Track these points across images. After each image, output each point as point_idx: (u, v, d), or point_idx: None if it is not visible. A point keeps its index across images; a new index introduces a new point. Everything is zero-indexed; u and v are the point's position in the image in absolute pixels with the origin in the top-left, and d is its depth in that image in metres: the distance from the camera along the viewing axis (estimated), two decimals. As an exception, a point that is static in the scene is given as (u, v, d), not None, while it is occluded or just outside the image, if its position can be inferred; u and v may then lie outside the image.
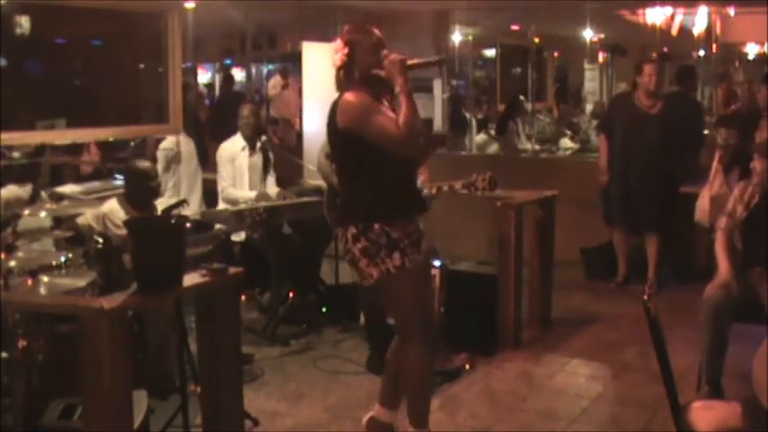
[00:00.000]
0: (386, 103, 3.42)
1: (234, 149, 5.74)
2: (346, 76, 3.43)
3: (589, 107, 11.45)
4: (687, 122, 6.64)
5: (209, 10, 7.50)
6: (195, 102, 13.02)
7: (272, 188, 5.82)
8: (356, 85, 3.38)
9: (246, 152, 5.73)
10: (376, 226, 3.34)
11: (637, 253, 6.50)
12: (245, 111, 5.88)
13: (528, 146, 9.21)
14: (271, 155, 5.87)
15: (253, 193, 5.64)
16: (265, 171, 5.80)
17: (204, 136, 8.01)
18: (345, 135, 3.35)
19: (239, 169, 5.72)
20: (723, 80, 10.69)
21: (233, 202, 5.64)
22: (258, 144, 5.76)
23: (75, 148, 6.91)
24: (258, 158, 5.76)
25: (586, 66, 12.19)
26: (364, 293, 4.78)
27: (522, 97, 10.11)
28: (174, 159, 6.46)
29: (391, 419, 3.69)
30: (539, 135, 9.90)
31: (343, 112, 3.34)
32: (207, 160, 7.03)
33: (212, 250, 4.46)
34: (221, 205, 5.76)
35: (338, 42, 3.45)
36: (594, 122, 10.54)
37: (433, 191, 4.47)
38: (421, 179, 4.70)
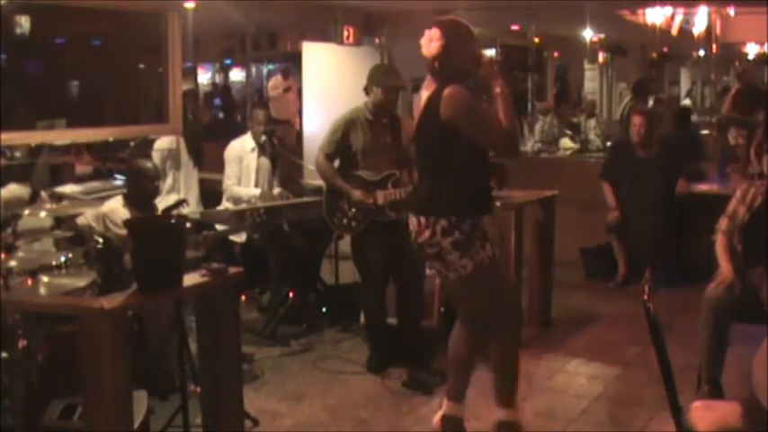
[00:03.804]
0: None
1: (243, 149, 5.73)
2: (441, 66, 3.42)
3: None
4: (684, 161, 6.76)
5: (209, 10, 7.49)
6: (202, 102, 13.06)
7: (275, 189, 5.83)
8: (452, 78, 3.39)
9: (255, 153, 5.73)
10: (469, 219, 3.39)
11: (635, 255, 6.53)
12: (260, 115, 5.85)
13: (528, 146, 9.21)
14: (277, 159, 5.87)
15: (257, 191, 5.64)
16: (273, 173, 5.80)
17: (201, 136, 8.01)
18: (446, 126, 3.36)
19: (246, 169, 5.72)
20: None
21: (237, 199, 5.64)
22: (265, 144, 5.75)
23: (73, 150, 6.91)
24: (266, 160, 5.76)
25: (586, 66, 12.21)
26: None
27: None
28: (172, 160, 6.45)
29: (462, 413, 3.78)
30: (539, 135, 9.91)
31: (451, 104, 3.34)
32: (203, 161, 7.03)
33: (205, 255, 4.45)
34: (223, 204, 5.77)
35: (434, 31, 3.41)
36: (591, 121, 10.56)
37: None
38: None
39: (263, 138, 5.76)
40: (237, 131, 6.18)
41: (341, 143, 4.71)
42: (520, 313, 3.92)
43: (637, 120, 6.49)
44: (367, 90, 4.70)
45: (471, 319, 3.70)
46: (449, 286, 3.64)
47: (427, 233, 3.44)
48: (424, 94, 3.49)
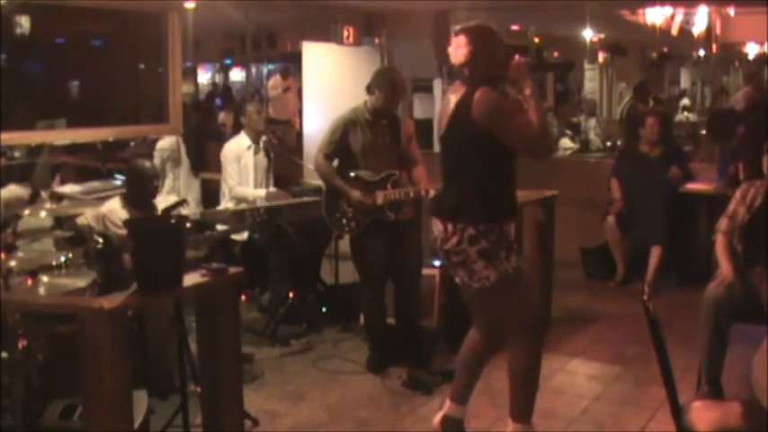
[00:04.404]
0: None
1: (240, 148, 5.74)
2: (471, 73, 3.40)
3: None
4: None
5: (209, 10, 7.49)
6: (206, 102, 13.07)
7: (271, 188, 5.83)
8: (483, 82, 3.36)
9: (252, 151, 5.73)
10: (496, 228, 3.37)
11: (636, 255, 6.52)
12: (251, 110, 5.89)
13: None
14: (272, 155, 5.88)
15: (262, 192, 5.64)
16: (269, 170, 5.82)
17: (203, 137, 8.01)
18: (477, 130, 3.33)
19: (245, 168, 5.72)
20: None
21: (242, 200, 5.65)
22: (262, 143, 5.77)
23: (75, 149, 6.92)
24: (263, 157, 5.78)
25: (586, 66, 12.20)
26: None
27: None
28: (172, 160, 6.45)
29: (463, 414, 3.76)
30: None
31: (484, 108, 3.31)
32: (205, 161, 7.03)
33: (208, 254, 4.46)
34: (226, 204, 5.77)
35: (461, 38, 3.41)
36: (592, 121, 10.58)
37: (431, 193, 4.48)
38: (422, 183, 4.71)
39: (264, 138, 5.77)
40: (237, 131, 6.19)
41: (340, 143, 4.71)
42: (542, 324, 3.83)
43: (650, 120, 6.60)
44: (369, 89, 4.70)
45: (489, 328, 3.66)
46: (470, 295, 3.55)
47: (454, 240, 3.39)
48: (453, 98, 3.44)
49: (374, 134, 4.69)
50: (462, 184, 3.45)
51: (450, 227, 3.40)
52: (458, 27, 3.50)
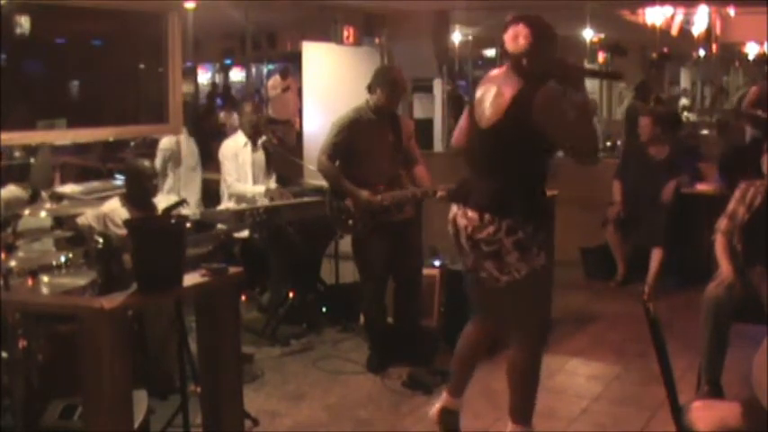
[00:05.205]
0: None
1: (236, 146, 5.79)
2: (530, 63, 3.32)
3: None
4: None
5: (209, 10, 7.50)
6: (207, 102, 13.08)
7: (272, 185, 5.86)
8: (539, 77, 3.30)
9: (249, 148, 5.77)
10: (533, 221, 3.35)
11: (636, 256, 6.52)
12: (247, 108, 5.98)
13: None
14: (271, 151, 5.91)
15: (261, 188, 5.65)
16: (268, 168, 5.85)
17: (208, 135, 8.03)
18: (535, 128, 3.27)
19: (242, 165, 5.76)
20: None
21: (240, 196, 5.65)
22: (259, 142, 5.81)
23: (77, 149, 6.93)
24: (260, 155, 5.81)
25: (586, 66, 12.19)
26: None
27: None
28: (173, 159, 6.46)
29: (459, 407, 3.76)
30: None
31: (548, 105, 3.25)
32: (211, 159, 7.03)
33: (212, 250, 4.46)
34: (226, 202, 5.78)
35: (522, 27, 3.32)
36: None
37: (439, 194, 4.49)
38: (426, 183, 4.71)
39: (264, 137, 5.79)
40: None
41: (343, 144, 4.67)
42: (549, 328, 3.87)
43: (644, 121, 6.55)
44: (370, 89, 4.69)
45: (499, 325, 3.64)
46: (494, 290, 3.47)
47: (491, 229, 3.34)
48: (497, 89, 3.36)
49: (378, 133, 4.67)
50: (506, 177, 3.38)
51: (487, 216, 3.35)
52: (514, 15, 3.39)
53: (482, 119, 3.44)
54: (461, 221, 3.45)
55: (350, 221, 4.70)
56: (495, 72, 3.53)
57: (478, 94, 3.50)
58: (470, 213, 3.40)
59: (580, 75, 3.42)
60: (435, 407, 3.80)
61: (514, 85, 3.33)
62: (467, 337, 3.73)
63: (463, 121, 3.67)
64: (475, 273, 3.52)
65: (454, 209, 3.52)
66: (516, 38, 3.32)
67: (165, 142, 6.49)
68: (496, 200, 3.36)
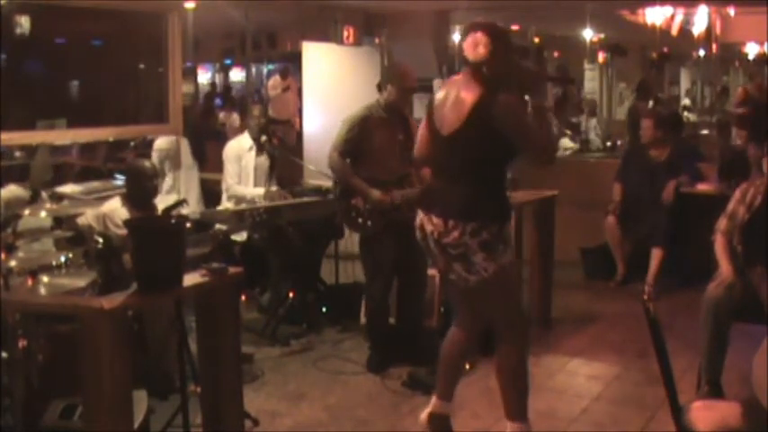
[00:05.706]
0: None
1: (241, 148, 5.72)
2: (490, 71, 3.38)
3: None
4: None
5: (209, 10, 7.50)
6: (206, 102, 13.08)
7: (273, 188, 5.84)
8: (499, 84, 3.36)
9: (254, 152, 5.72)
10: (498, 223, 3.41)
11: (636, 256, 6.52)
12: (255, 111, 5.89)
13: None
14: (276, 154, 5.87)
15: (260, 190, 5.63)
16: (271, 171, 5.81)
17: (203, 136, 8.03)
18: (496, 132, 3.33)
19: (245, 168, 5.71)
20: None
21: (239, 198, 5.64)
22: (262, 143, 5.76)
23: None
24: (265, 159, 5.76)
25: (586, 66, 12.21)
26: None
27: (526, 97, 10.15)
28: (172, 160, 6.45)
29: (449, 410, 3.77)
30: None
31: (508, 112, 3.32)
32: (206, 160, 7.03)
33: (211, 251, 4.46)
34: (225, 203, 5.77)
35: (481, 35, 3.37)
36: (593, 121, 10.58)
37: None
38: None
39: (264, 137, 5.76)
40: (243, 130, 6.19)
41: (355, 141, 4.63)
42: (528, 323, 3.92)
43: (645, 123, 6.55)
44: (380, 87, 4.67)
45: (477, 324, 3.70)
46: (466, 290, 3.56)
47: (456, 233, 3.40)
48: (457, 94, 3.42)
49: (388, 132, 4.64)
50: (471, 183, 3.44)
51: (451, 222, 3.42)
52: (473, 22, 3.45)
53: (443, 126, 3.49)
54: (428, 227, 3.52)
55: (360, 220, 4.67)
56: (454, 78, 3.57)
57: (437, 99, 3.55)
58: (435, 219, 3.48)
59: (538, 80, 3.51)
60: (425, 412, 3.80)
61: (475, 91, 3.38)
62: (450, 339, 3.77)
63: (422, 130, 3.71)
64: (446, 275, 3.59)
65: (420, 215, 3.59)
66: (476, 46, 3.38)
67: (160, 143, 6.47)
68: (460, 205, 3.43)
